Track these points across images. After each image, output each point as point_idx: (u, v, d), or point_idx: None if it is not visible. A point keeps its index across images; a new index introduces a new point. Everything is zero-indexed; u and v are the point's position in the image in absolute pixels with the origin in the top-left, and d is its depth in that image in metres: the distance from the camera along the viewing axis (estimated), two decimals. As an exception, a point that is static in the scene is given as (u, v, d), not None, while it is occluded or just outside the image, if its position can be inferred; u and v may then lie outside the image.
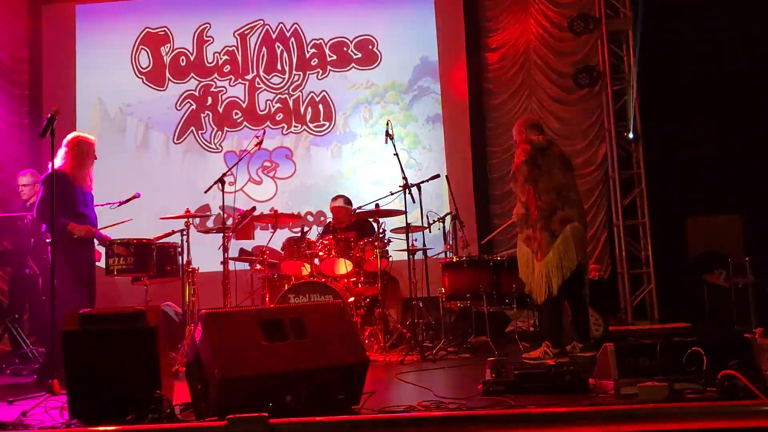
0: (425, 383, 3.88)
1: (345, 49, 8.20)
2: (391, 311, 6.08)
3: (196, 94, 8.18)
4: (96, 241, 5.14)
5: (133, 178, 7.58)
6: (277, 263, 6.11)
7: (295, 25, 8.24)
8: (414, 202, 5.70)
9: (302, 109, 8.13)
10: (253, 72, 8.19)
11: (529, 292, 4.90)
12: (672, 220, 7.32)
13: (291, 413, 2.80)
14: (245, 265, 6.36)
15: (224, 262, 5.51)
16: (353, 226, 6.53)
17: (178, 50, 8.25)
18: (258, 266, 6.05)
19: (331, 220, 6.81)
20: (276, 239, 6.34)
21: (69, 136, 5.07)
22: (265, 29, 8.26)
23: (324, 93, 8.14)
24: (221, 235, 5.59)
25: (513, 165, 5.03)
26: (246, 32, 8.25)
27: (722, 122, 7.00)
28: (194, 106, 8.16)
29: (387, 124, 5.71)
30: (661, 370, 3.20)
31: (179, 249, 5.54)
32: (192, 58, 8.23)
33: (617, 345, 3.38)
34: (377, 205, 5.84)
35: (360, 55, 8.17)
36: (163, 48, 8.25)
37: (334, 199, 6.69)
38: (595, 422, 2.13)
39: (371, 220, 6.15)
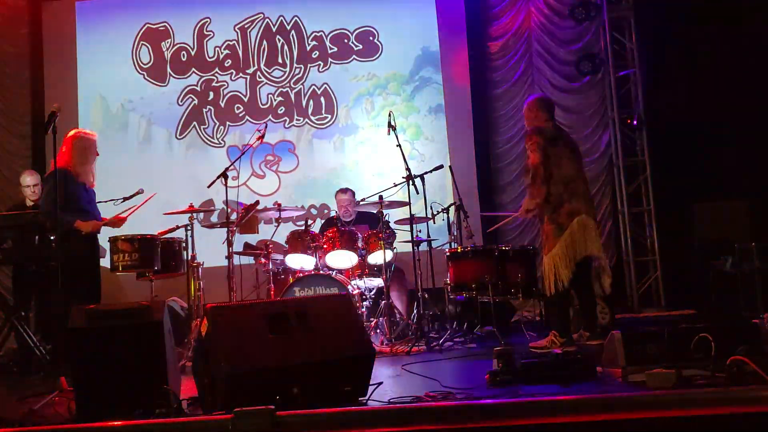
0: (432, 374, 3.88)
1: (345, 41, 8.17)
2: (397, 303, 6.07)
3: (198, 89, 8.16)
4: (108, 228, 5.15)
5: (137, 174, 7.58)
6: (281, 257, 6.11)
7: (295, 18, 8.21)
8: (417, 193, 5.69)
9: (304, 102, 8.11)
10: (254, 66, 8.17)
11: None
12: (677, 206, 7.29)
13: (298, 406, 2.80)
14: (250, 260, 6.36)
15: (229, 257, 5.50)
16: (361, 218, 6.53)
17: (178, 45, 8.22)
18: (263, 260, 6.05)
19: (335, 212, 6.80)
20: (280, 233, 6.33)
21: (70, 133, 5.07)
22: (265, 22, 8.23)
23: (325, 85, 8.11)
24: (225, 229, 5.58)
25: (528, 160, 4.95)
26: (246, 26, 8.23)
27: (727, 107, 6.95)
28: (196, 101, 8.15)
29: (389, 115, 5.69)
30: (668, 356, 3.19)
31: (184, 244, 5.54)
32: (193, 53, 8.21)
33: (624, 332, 3.37)
34: (381, 197, 5.83)
35: (361, 46, 8.14)
36: (163, 43, 8.23)
37: (343, 191, 6.69)
38: (604, 410, 2.12)
39: (376, 212, 6.13)
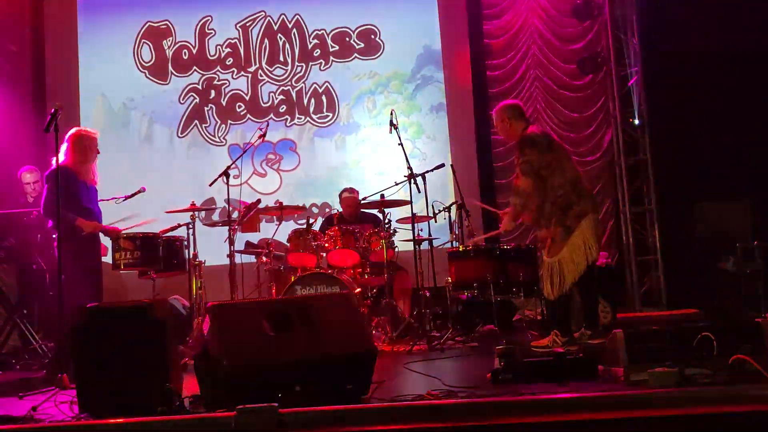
0: (434, 373, 3.87)
1: (347, 39, 8.16)
2: (398, 302, 6.07)
3: (199, 87, 8.16)
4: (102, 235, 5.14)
5: (138, 173, 7.58)
6: (283, 255, 6.11)
7: (297, 16, 8.21)
8: (419, 191, 5.68)
9: (305, 101, 8.11)
10: (255, 64, 8.17)
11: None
12: (679, 205, 7.28)
13: (300, 403, 2.80)
14: (252, 258, 6.36)
15: (230, 255, 5.51)
16: (364, 217, 6.53)
17: (180, 44, 8.22)
18: (264, 258, 6.05)
19: (336, 211, 6.81)
20: (282, 231, 6.33)
21: (71, 131, 5.06)
22: (266, 21, 8.23)
23: (327, 84, 8.11)
24: (227, 228, 5.59)
25: (517, 180, 4.77)
26: (248, 24, 8.22)
27: (730, 106, 6.94)
28: (197, 100, 8.15)
29: (391, 113, 5.68)
30: (671, 355, 3.18)
31: (185, 242, 5.54)
32: (194, 52, 8.20)
33: (627, 331, 3.36)
34: (382, 196, 5.82)
35: (362, 45, 8.14)
36: (165, 42, 8.23)
37: (350, 191, 6.68)
38: (606, 409, 2.12)
39: (376, 210, 6.14)
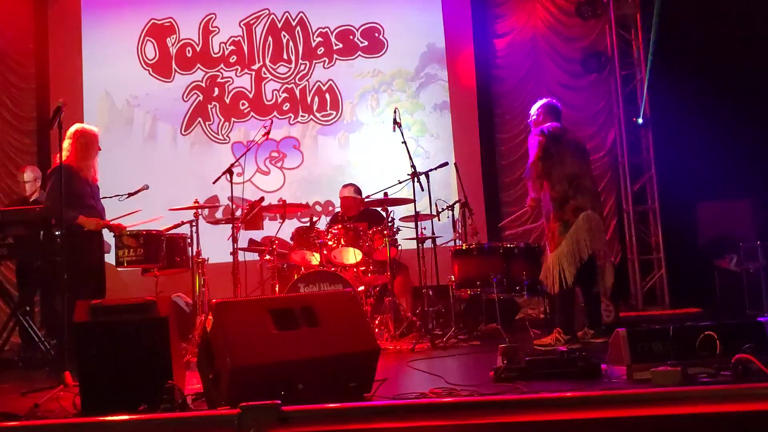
0: (436, 371, 3.88)
1: (351, 37, 8.16)
2: (401, 300, 6.07)
3: (203, 85, 8.17)
4: (108, 231, 5.15)
5: (141, 170, 7.58)
6: (286, 253, 6.11)
7: (301, 14, 8.21)
8: (422, 190, 5.68)
9: (309, 99, 8.11)
10: (259, 62, 8.17)
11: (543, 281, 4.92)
12: (682, 205, 7.27)
13: (303, 401, 2.80)
14: (255, 256, 6.36)
15: (234, 253, 5.52)
16: (362, 215, 6.52)
17: (184, 41, 8.22)
18: (267, 256, 6.05)
19: (339, 209, 6.80)
20: (285, 229, 6.33)
21: (72, 129, 5.05)
22: (270, 18, 8.23)
23: (330, 82, 8.11)
24: (230, 225, 5.59)
25: (528, 158, 5.02)
26: (251, 22, 8.22)
27: (733, 105, 6.92)
28: (201, 97, 8.15)
29: (395, 112, 5.67)
30: (674, 354, 3.18)
31: (189, 240, 5.55)
32: (198, 49, 8.21)
33: (630, 330, 3.36)
34: (386, 194, 5.82)
35: (366, 43, 8.13)
36: (168, 39, 8.23)
37: (344, 187, 6.68)
38: (608, 407, 2.12)
39: (380, 208, 6.14)
